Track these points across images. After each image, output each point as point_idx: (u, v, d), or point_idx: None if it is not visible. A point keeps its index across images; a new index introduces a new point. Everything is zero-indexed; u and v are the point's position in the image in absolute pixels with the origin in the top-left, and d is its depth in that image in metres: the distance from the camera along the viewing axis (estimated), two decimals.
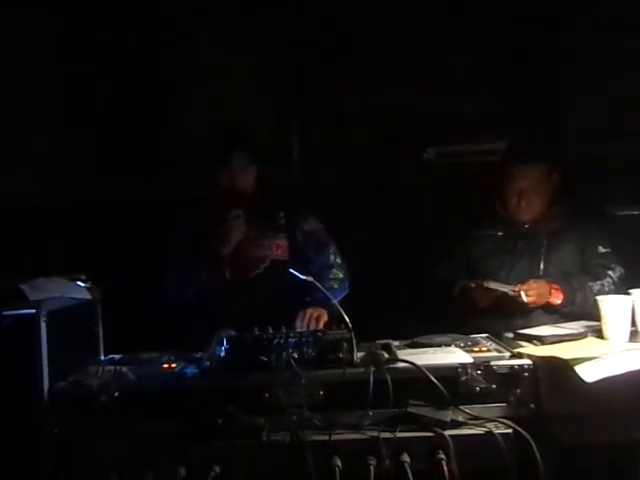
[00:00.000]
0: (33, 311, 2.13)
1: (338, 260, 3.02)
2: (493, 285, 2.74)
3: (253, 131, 3.19)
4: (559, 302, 2.79)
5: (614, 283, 2.80)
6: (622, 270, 2.85)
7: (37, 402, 2.08)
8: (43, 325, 2.12)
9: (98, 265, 2.60)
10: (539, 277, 2.87)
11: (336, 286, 2.92)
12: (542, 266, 2.91)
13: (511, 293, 2.73)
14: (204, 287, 2.90)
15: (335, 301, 2.45)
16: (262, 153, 3.12)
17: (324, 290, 2.46)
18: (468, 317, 2.89)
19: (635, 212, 3.40)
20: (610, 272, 2.84)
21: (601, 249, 2.90)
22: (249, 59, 3.87)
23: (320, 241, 3.04)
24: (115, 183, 3.76)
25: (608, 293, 2.65)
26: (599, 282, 2.81)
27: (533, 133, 3.50)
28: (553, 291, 2.79)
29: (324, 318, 2.70)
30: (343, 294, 2.92)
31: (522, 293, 2.72)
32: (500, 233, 3.00)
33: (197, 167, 3.42)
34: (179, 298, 2.92)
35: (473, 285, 2.81)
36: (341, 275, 2.99)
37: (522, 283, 2.79)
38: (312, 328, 2.61)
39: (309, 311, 2.71)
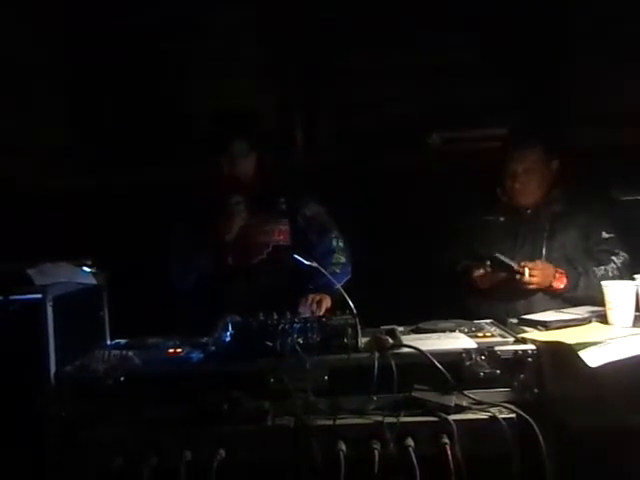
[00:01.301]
0: (39, 296, 2.14)
1: (340, 244, 3.02)
2: (501, 257, 2.72)
3: (254, 117, 3.17)
4: (562, 286, 2.79)
5: (618, 269, 2.80)
6: (626, 256, 2.85)
7: (43, 386, 2.10)
8: (49, 310, 2.13)
9: (104, 250, 2.61)
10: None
11: (338, 271, 2.91)
12: (544, 251, 2.91)
13: (516, 267, 2.72)
14: (205, 273, 2.92)
15: (339, 286, 2.46)
16: (265, 139, 3.12)
17: (328, 275, 2.46)
18: (468, 298, 2.92)
19: (639, 197, 3.38)
20: (614, 257, 2.84)
21: (605, 234, 2.89)
22: (252, 44, 3.86)
23: (322, 225, 3.04)
24: (120, 170, 3.76)
25: (612, 279, 2.64)
26: (603, 267, 2.81)
27: (534, 119, 3.50)
28: (557, 274, 2.79)
29: (327, 303, 2.70)
30: (346, 278, 2.92)
31: (526, 270, 2.72)
32: (502, 219, 3.00)
33: (202, 154, 3.42)
34: (181, 283, 2.94)
35: (481, 266, 2.80)
36: (343, 259, 2.98)
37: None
38: (315, 313, 2.62)
39: (311, 296, 2.72)
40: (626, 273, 2.67)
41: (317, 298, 2.71)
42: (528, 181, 2.92)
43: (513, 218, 2.99)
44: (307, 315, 2.53)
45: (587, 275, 2.79)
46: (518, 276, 2.74)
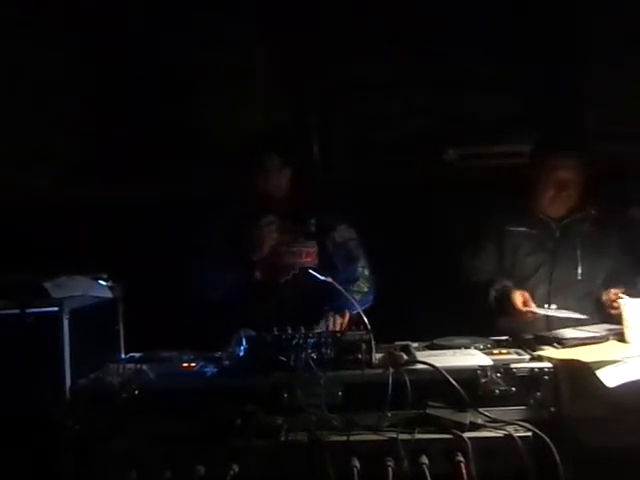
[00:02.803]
0: (56, 309, 2.16)
1: (365, 272, 3.00)
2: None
3: (288, 133, 3.18)
4: None
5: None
6: None
7: (59, 399, 2.11)
8: (65, 323, 2.15)
9: (120, 264, 2.62)
10: (576, 281, 2.86)
11: (357, 298, 2.85)
12: (580, 270, 2.87)
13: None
14: (231, 287, 2.91)
15: (356, 305, 2.43)
16: (299, 155, 3.15)
17: (343, 291, 2.43)
18: (499, 318, 2.84)
19: None
20: (638, 279, 2.80)
21: (628, 259, 2.86)
22: (267, 59, 3.88)
23: (350, 253, 3.02)
24: (137, 184, 3.78)
25: None
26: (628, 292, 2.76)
27: (561, 129, 3.47)
28: None
29: (344, 321, 2.69)
30: (363, 307, 2.87)
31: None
32: (534, 231, 2.94)
33: (217, 169, 3.45)
34: (207, 296, 2.92)
35: (528, 311, 2.69)
36: (365, 289, 2.97)
37: (561, 285, 2.80)
38: (329, 329, 2.61)
39: (332, 314, 2.70)
40: None
41: (337, 318, 2.70)
42: (568, 190, 2.86)
43: (544, 232, 2.93)
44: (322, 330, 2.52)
45: None
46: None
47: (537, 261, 2.92)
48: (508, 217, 3.00)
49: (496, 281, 2.87)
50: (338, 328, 2.65)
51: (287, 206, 2.98)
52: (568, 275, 2.87)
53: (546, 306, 2.81)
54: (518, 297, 2.71)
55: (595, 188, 2.94)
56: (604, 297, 2.70)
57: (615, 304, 2.56)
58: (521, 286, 2.84)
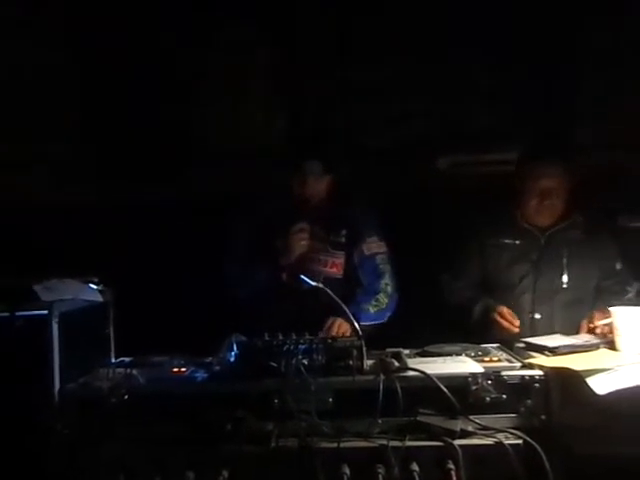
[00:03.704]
0: (45, 312, 2.14)
1: (389, 289, 2.97)
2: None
3: (327, 139, 3.16)
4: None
5: (632, 300, 2.77)
6: (639, 285, 2.84)
7: (47, 403, 2.10)
8: (55, 326, 2.13)
9: (110, 267, 2.61)
10: (561, 290, 2.87)
11: (372, 311, 2.86)
12: (565, 279, 2.88)
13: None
14: (260, 285, 2.91)
15: (350, 314, 2.39)
16: (340, 163, 3.10)
17: (337, 299, 2.35)
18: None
19: None
20: (629, 288, 2.83)
21: (618, 266, 2.89)
22: (265, 62, 3.88)
23: (376, 268, 2.99)
24: (128, 188, 3.77)
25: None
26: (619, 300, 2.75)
27: (549, 138, 3.49)
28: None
29: (343, 328, 2.67)
30: (375, 322, 2.86)
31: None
32: (518, 242, 2.95)
33: (215, 170, 3.44)
34: (242, 288, 2.93)
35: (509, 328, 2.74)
36: (384, 305, 2.92)
37: (545, 295, 2.83)
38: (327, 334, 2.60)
39: (336, 321, 2.69)
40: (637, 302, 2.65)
41: (337, 323, 2.68)
42: (552, 199, 2.87)
43: (529, 242, 2.94)
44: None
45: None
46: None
47: (521, 271, 2.93)
48: (492, 229, 3.01)
49: (478, 300, 2.89)
50: (338, 333, 2.63)
51: (321, 213, 2.96)
52: (553, 284, 2.88)
53: (530, 315, 2.86)
54: (501, 316, 2.75)
55: (583, 196, 2.95)
56: (587, 322, 2.70)
57: (597, 330, 2.58)
58: (505, 296, 2.88)
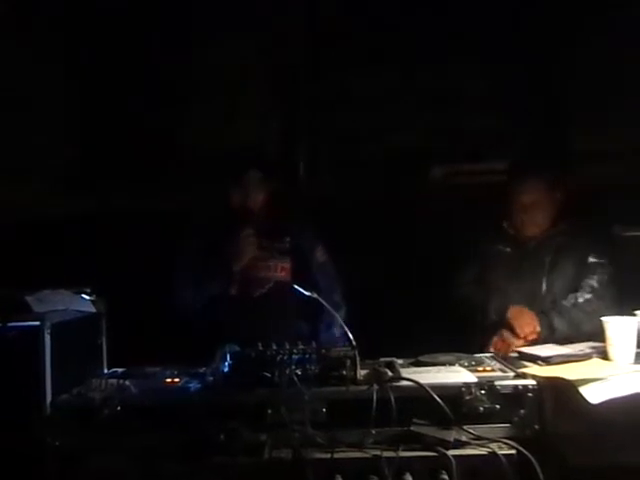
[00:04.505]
0: (37, 323, 2.13)
1: (342, 301, 3.00)
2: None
3: (266, 149, 3.21)
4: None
5: (593, 290, 2.85)
6: (605, 276, 2.88)
7: (39, 414, 2.08)
8: (47, 337, 2.12)
9: (103, 278, 2.60)
10: (542, 296, 2.91)
11: (337, 335, 2.77)
12: (545, 285, 2.93)
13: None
14: (212, 298, 2.94)
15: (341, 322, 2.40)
16: (277, 171, 3.17)
17: (328, 306, 2.38)
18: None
19: None
20: (588, 280, 2.88)
21: (590, 259, 2.92)
22: (254, 74, 3.88)
23: (332, 275, 3.07)
24: (120, 197, 3.77)
25: (589, 301, 2.81)
26: (575, 295, 2.87)
27: (536, 150, 3.52)
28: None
29: None
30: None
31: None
32: (508, 249, 3.01)
33: (199, 181, 3.43)
34: (192, 309, 2.95)
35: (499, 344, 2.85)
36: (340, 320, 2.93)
37: (526, 302, 2.86)
38: None
39: None
40: (608, 292, 2.81)
41: None
42: (535, 212, 2.93)
43: (518, 251, 3.00)
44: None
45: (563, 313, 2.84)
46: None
47: (505, 279, 2.97)
48: (486, 235, 3.08)
49: (492, 300, 2.94)
50: None
51: (264, 221, 3.02)
52: (533, 291, 2.93)
53: None
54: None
55: (575, 206, 2.98)
56: (495, 340, 2.85)
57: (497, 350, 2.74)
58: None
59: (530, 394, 2.08)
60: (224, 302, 2.95)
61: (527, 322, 2.80)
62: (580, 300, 2.85)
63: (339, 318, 2.39)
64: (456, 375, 2.18)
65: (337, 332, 2.78)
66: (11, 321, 2.15)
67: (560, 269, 2.93)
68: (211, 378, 2.20)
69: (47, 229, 3.64)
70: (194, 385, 2.22)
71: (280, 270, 3.03)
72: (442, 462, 1.93)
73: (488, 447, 1.97)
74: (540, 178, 2.94)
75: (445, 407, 2.00)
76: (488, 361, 2.38)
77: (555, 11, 3.65)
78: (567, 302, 2.86)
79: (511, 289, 2.94)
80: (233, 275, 2.96)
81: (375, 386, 2.06)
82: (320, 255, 3.09)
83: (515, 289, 2.94)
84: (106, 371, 2.52)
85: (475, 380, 2.11)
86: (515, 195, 2.95)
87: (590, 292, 2.86)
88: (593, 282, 2.87)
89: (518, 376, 2.17)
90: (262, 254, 3.01)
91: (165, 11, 3.78)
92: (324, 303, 2.41)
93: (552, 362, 2.31)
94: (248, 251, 2.96)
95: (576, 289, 2.90)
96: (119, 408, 2.07)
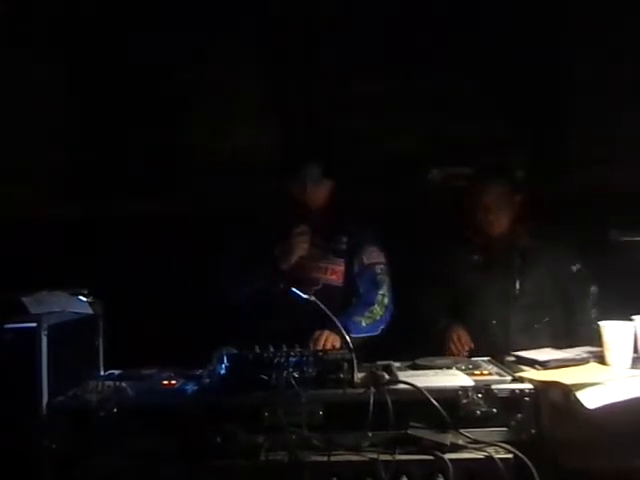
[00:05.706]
0: (34, 325, 2.13)
1: (385, 300, 2.91)
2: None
3: (327, 145, 3.14)
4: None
5: (593, 300, 2.95)
6: (596, 290, 2.98)
7: (36, 416, 2.08)
8: (44, 339, 2.12)
9: (100, 280, 2.60)
10: (515, 298, 2.95)
11: (364, 324, 2.80)
12: (518, 286, 2.96)
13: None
14: (257, 294, 2.87)
15: (339, 325, 2.38)
16: (341, 169, 3.08)
17: (326, 311, 2.36)
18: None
19: (637, 238, 3.39)
20: (589, 290, 2.97)
21: (574, 268, 2.98)
22: (253, 76, 3.89)
23: (374, 278, 2.94)
24: (119, 199, 3.76)
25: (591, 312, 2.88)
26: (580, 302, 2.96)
27: (499, 160, 3.53)
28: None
29: (333, 341, 2.63)
30: (367, 334, 2.80)
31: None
32: (475, 257, 3.05)
33: (201, 186, 3.44)
34: (236, 298, 2.89)
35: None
36: (378, 317, 2.86)
37: (500, 306, 2.95)
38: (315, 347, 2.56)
39: (318, 332, 2.65)
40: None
41: (324, 336, 2.64)
42: (498, 212, 2.97)
43: (484, 255, 3.03)
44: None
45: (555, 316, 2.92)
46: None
47: (477, 285, 3.01)
48: (450, 243, 3.12)
49: (441, 318, 3.01)
50: (326, 345, 2.60)
51: (321, 220, 2.92)
52: (507, 292, 2.96)
53: (487, 321, 2.96)
54: (454, 340, 2.89)
55: (574, 211, 2.99)
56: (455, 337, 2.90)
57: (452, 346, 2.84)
58: (464, 309, 3.00)
59: (527, 398, 2.08)
60: (271, 296, 2.82)
61: (463, 342, 2.88)
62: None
63: (338, 323, 2.37)
64: (453, 379, 2.18)
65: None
66: (7, 322, 2.14)
67: (532, 271, 2.97)
68: (208, 380, 2.20)
69: (43, 231, 3.63)
70: (191, 387, 2.21)
71: (331, 273, 2.92)
72: (439, 466, 1.93)
73: (485, 451, 1.98)
74: (503, 179, 3.01)
75: (442, 410, 2.00)
76: (485, 365, 2.38)
77: (555, 15, 3.66)
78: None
79: (484, 294, 2.98)
80: (281, 274, 2.83)
81: (372, 389, 2.05)
82: (367, 257, 2.95)
83: (488, 294, 2.97)
84: (103, 373, 2.51)
85: (472, 384, 2.11)
86: (476, 196, 2.99)
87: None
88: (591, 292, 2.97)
89: (515, 380, 2.18)
90: (314, 253, 2.90)
91: (165, 14, 3.79)
92: (321, 306, 2.40)
93: (549, 366, 2.31)
94: (298, 249, 2.84)
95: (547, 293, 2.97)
96: (115, 410, 2.07)
